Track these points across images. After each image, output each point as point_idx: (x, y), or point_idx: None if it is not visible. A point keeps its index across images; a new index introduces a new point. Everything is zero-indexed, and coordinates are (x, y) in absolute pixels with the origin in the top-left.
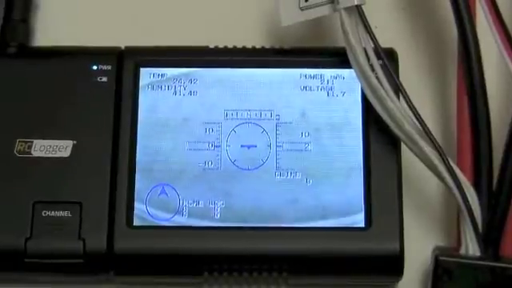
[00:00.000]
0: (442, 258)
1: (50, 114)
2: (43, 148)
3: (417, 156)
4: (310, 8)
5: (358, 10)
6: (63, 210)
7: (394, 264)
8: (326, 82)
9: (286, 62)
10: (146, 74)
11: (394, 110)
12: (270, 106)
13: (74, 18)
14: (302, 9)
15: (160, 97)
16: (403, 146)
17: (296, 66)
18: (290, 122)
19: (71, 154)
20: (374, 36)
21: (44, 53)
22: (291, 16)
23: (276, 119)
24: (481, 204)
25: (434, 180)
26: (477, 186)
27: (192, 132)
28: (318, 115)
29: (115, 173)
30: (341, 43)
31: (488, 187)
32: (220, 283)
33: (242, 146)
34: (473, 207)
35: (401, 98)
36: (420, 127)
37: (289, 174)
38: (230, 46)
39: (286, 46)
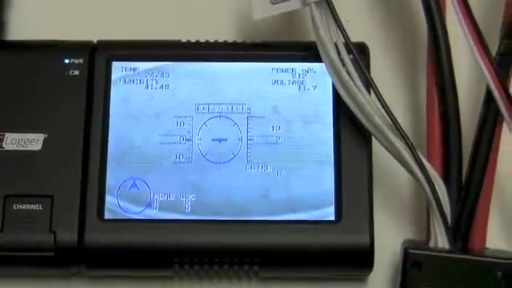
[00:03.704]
0: (411, 251)
1: (22, 108)
2: (14, 141)
3: (387, 150)
4: (281, 2)
5: (329, 4)
6: (34, 203)
7: (364, 257)
8: (297, 75)
9: (257, 55)
10: (118, 68)
11: (364, 104)
12: (242, 99)
13: (47, 12)
14: (272, 2)
15: (132, 90)
16: (374, 140)
17: (268, 60)
18: (262, 116)
19: (42, 148)
20: (344, 30)
21: (16, 46)
22: (262, 10)
23: (247, 113)
24: (450, 197)
25: (404, 173)
26: (446, 179)
27: (163, 125)
28: (289, 109)
29: (86, 166)
30: (313, 37)
31: (457, 180)
32: (191, 276)
33: (213, 139)
34: (442, 200)
35: (371, 92)
36: (390, 121)
37: (260, 167)
38: (203, 40)
39: (258, 40)
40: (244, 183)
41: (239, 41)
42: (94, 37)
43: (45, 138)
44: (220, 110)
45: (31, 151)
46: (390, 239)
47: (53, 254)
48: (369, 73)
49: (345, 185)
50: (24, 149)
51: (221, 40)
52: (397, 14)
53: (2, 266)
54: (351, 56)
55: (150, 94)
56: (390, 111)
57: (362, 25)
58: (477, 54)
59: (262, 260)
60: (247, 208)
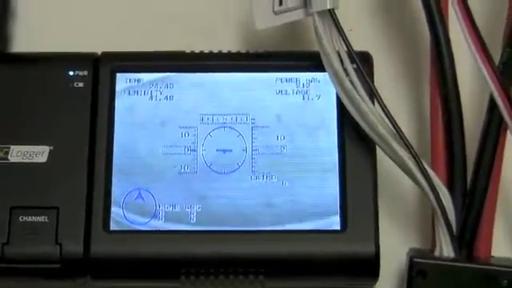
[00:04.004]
0: (416, 260)
1: (27, 120)
2: (20, 154)
3: (391, 159)
4: (284, 12)
5: (331, 14)
6: (40, 215)
7: (369, 266)
8: (301, 85)
9: (261, 66)
10: (122, 79)
11: (368, 113)
12: (246, 110)
13: (51, 25)
14: (276, 13)
15: (136, 102)
16: (378, 149)
17: (271, 70)
18: (266, 126)
19: (48, 160)
20: (347, 40)
21: (21, 59)
22: (266, 20)
23: (252, 123)
24: (455, 205)
25: (408, 182)
26: (451, 187)
27: (168, 136)
28: (293, 118)
29: (92, 178)
30: (316, 47)
31: (462, 189)
32: (197, 287)
33: (217, 150)
34: (447, 209)
35: (375, 101)
36: (394, 130)
37: (264, 177)
38: (206, 50)
39: (262, 51)
40: (249, 193)
41: (243, 51)
42: (97, 48)
43: (50, 150)
44: (224, 121)
45: (37, 163)
46: (395, 248)
47: (59, 265)
48: (372, 82)
49: (350, 194)
50: (30, 161)
51: (224, 50)
52: (400, 23)
53: (8, 278)
54: (354, 65)
55: (155, 104)
56: (394, 120)
57: (364, 34)
58: (480, 63)
59: (267, 270)
60: (252, 218)
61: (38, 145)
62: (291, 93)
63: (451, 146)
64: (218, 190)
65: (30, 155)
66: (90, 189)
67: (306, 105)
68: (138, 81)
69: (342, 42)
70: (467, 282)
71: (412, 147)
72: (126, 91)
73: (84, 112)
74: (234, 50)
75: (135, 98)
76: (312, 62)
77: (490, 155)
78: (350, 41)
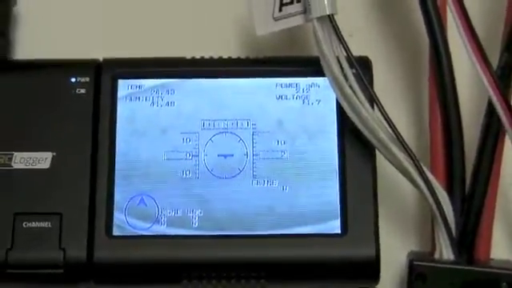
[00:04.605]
0: (416, 263)
1: (30, 127)
2: (23, 160)
3: (391, 163)
4: (284, 18)
5: (330, 20)
6: (43, 220)
7: (370, 269)
8: (301, 90)
9: (261, 71)
10: (124, 86)
11: (367, 118)
12: (247, 115)
13: (52, 32)
14: (275, 19)
15: (138, 108)
16: (378, 153)
17: (271, 76)
18: (267, 131)
19: (51, 166)
20: (346, 45)
21: (23, 66)
22: (266, 26)
23: (252, 128)
24: (454, 209)
25: (408, 186)
26: (450, 191)
27: (170, 142)
28: (293, 123)
29: (94, 183)
30: (316, 52)
31: (461, 192)
32: None
33: (219, 155)
34: (446, 212)
35: (375, 106)
36: (394, 134)
37: (265, 182)
38: (207, 56)
39: (262, 56)
40: (250, 198)
41: (243, 57)
42: (99, 55)
43: (53, 157)
44: (225, 126)
45: (40, 169)
46: (395, 251)
47: (62, 270)
48: (372, 87)
49: (350, 198)
50: (32, 167)
51: (225, 56)
52: (399, 28)
53: (12, 284)
54: (354, 70)
55: (156, 110)
56: (393, 125)
57: (364, 39)
58: (478, 68)
59: (268, 274)
60: (254, 222)
61: (40, 151)
62: (291, 98)
63: (450, 150)
64: (220, 194)
65: (33, 161)
66: (92, 194)
67: (306, 109)
68: (140, 87)
69: (342, 47)
70: (467, 284)
71: (411, 151)
72: (128, 97)
73: (86, 118)
74: (234, 55)
75: (137, 104)
76: (312, 67)
77: (489, 159)
78: (350, 46)
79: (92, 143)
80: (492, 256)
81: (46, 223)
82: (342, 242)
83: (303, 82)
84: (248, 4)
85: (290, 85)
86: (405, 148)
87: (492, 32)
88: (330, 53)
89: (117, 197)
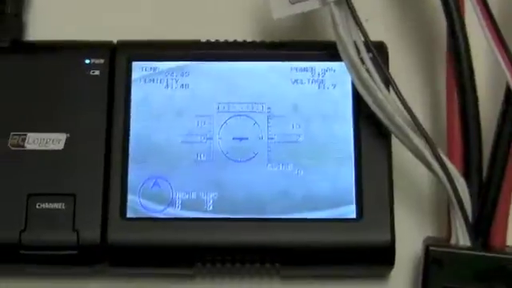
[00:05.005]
0: (432, 249)
1: (44, 108)
2: (37, 141)
3: (407, 147)
4: (300, 1)
5: (348, 4)
6: (57, 202)
7: (385, 254)
8: (316, 74)
9: (277, 55)
10: (138, 68)
11: (384, 102)
12: (262, 98)
13: (67, 13)
14: (292, 2)
15: (152, 90)
16: (394, 138)
17: (287, 60)
18: (282, 115)
19: (65, 147)
20: (363, 29)
21: (37, 47)
22: (282, 9)
23: (267, 112)
24: (471, 194)
25: (424, 171)
26: (467, 176)
27: (184, 125)
28: (309, 107)
29: (108, 165)
30: (332, 36)
31: (478, 178)
32: (212, 274)
33: (234, 138)
34: (463, 198)
35: (391, 90)
36: (410, 119)
37: (280, 165)
38: (222, 39)
39: (277, 40)
40: (265, 181)
41: (258, 40)
42: (114, 37)
43: (67, 138)
44: (240, 109)
45: (53, 151)
46: (411, 237)
47: (76, 252)
48: (388, 71)
49: (365, 183)
50: (46, 148)
51: (240, 40)
52: (416, 13)
53: (25, 265)
54: (370, 54)
55: (171, 93)
56: (410, 109)
57: (380, 24)
58: (496, 52)
59: (283, 258)
60: (268, 206)
61: (54, 132)
62: (307, 82)
63: (467, 135)
64: (234, 177)
65: (47, 142)
66: (106, 176)
67: (321, 94)
68: (154, 69)
69: (359, 31)
70: (483, 270)
71: (428, 136)
72: (142, 79)
73: (100, 100)
74: (249, 39)
75: (151, 87)
76: (327, 51)
77: (506, 145)
78: (366, 31)
79: (106, 125)
80: (508, 243)
81: (60, 204)
82: (357, 227)
83: (319, 66)
84: None
85: (306, 69)
86: (421, 132)
87: (510, 16)
88: (347, 36)
89: (131, 179)
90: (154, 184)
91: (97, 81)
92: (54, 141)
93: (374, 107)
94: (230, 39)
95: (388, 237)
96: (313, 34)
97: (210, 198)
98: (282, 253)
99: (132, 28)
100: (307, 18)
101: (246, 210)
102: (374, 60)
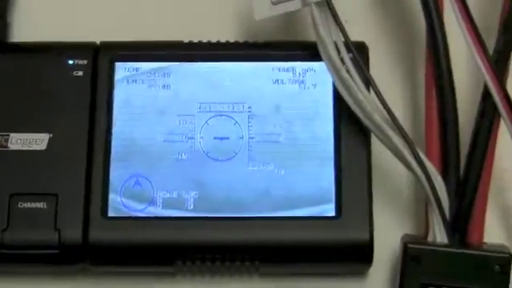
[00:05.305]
0: (410, 246)
1: (27, 108)
2: (20, 141)
3: (386, 146)
4: (282, 2)
5: (328, 4)
6: (39, 201)
7: (364, 252)
8: (297, 74)
9: (258, 55)
10: (121, 69)
11: (364, 102)
12: (243, 98)
13: (51, 14)
14: (273, 3)
15: (135, 91)
16: (373, 137)
17: (268, 60)
18: (263, 115)
19: (47, 147)
20: (344, 30)
21: (21, 48)
22: (264, 10)
23: (248, 111)
24: (448, 193)
25: (403, 170)
26: (444, 175)
27: (166, 124)
28: (290, 107)
29: (90, 165)
30: (313, 37)
31: (455, 176)
32: (193, 272)
33: (215, 137)
34: (440, 196)
35: (371, 90)
36: (389, 118)
37: (261, 164)
38: (204, 40)
39: (259, 40)
40: (245, 181)
41: (240, 41)
42: (97, 38)
43: (50, 138)
44: (221, 109)
45: (36, 151)
46: (389, 234)
47: (58, 251)
48: (368, 71)
49: (345, 181)
50: (29, 148)
51: (222, 40)
52: (396, 14)
53: (7, 264)
54: (351, 55)
55: (153, 93)
56: (390, 109)
57: (361, 24)
58: (474, 51)
59: (263, 256)
60: (249, 205)
61: (37, 132)
62: (287, 82)
63: (445, 134)
64: (215, 177)
65: (30, 143)
66: (88, 176)
67: (302, 94)
68: (137, 70)
69: (339, 31)
70: (460, 267)
71: (407, 135)
72: (125, 80)
73: (83, 100)
74: (231, 39)
75: (134, 87)
76: (308, 51)
77: (484, 143)
78: (347, 31)
79: (89, 125)
80: (485, 240)
81: (42, 204)
82: (336, 225)
83: (299, 66)
84: None
85: (287, 69)
86: (400, 132)
87: (489, 16)
88: (327, 37)
89: (112, 178)
90: (135, 183)
91: (80, 81)
92: (37, 141)
93: (354, 107)
94: (213, 40)
95: (367, 235)
96: (294, 34)
97: (191, 197)
98: (261, 251)
99: (115, 29)
100: (289, 19)
101: (227, 209)
102: (354, 60)
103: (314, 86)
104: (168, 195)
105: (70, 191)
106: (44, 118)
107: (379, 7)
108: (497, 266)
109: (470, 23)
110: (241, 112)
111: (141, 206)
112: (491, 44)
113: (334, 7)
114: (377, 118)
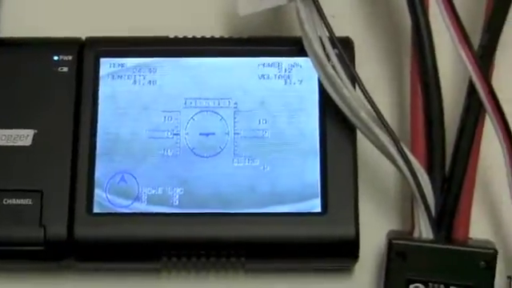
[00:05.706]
0: (395, 242)
1: (12, 104)
2: (4, 137)
3: (372, 143)
4: None
5: (313, 0)
6: (24, 197)
7: (349, 248)
8: (283, 70)
9: (244, 51)
10: (106, 64)
11: (349, 98)
12: (229, 94)
13: (36, 9)
14: None
15: (120, 86)
16: (359, 134)
17: (254, 55)
18: (248, 110)
19: (32, 143)
20: (329, 25)
21: (6, 44)
22: (249, 6)
23: (234, 107)
24: (434, 189)
25: (389, 166)
26: (430, 171)
27: (151, 120)
28: (275, 103)
29: (75, 161)
30: (298, 32)
31: (441, 172)
32: (178, 268)
33: (200, 133)
34: (426, 192)
35: (356, 86)
36: (375, 115)
37: (247, 160)
38: (190, 36)
39: (245, 36)
40: (231, 176)
41: (226, 36)
42: (82, 33)
43: (34, 134)
44: (207, 105)
45: (21, 147)
46: (375, 230)
47: (43, 247)
48: (353, 67)
49: (330, 177)
50: (14, 144)
51: (208, 36)
52: (382, 9)
53: None
54: (336, 50)
55: (138, 89)
56: (375, 105)
57: (346, 20)
58: (459, 47)
59: (248, 252)
60: (234, 201)
61: (22, 128)
62: (273, 77)
63: (431, 130)
64: (201, 173)
65: (15, 138)
66: (73, 172)
67: (287, 89)
68: (122, 65)
69: (324, 27)
70: (446, 263)
71: (393, 131)
72: (110, 76)
73: (68, 96)
74: (217, 35)
75: (119, 83)
76: (294, 47)
77: (469, 140)
78: (332, 27)
79: (74, 121)
80: (471, 236)
81: (27, 200)
82: (322, 221)
83: (285, 61)
84: None
85: (273, 64)
86: (386, 128)
87: (474, 12)
88: (312, 33)
89: (97, 174)
90: (120, 179)
91: (65, 77)
92: (22, 137)
93: (339, 103)
94: (198, 35)
95: (352, 230)
96: (280, 29)
97: (176, 193)
98: (247, 247)
99: (100, 24)
100: (275, 14)
101: (212, 205)
102: (339, 56)
103: (300, 81)
104: (153, 191)
105: (55, 187)
106: (29, 113)
107: (365, 2)
108: (482, 262)
109: (456, 19)
110: (227, 107)
111: (126, 202)
112: (476, 42)
113: (318, 2)
114: (362, 114)
